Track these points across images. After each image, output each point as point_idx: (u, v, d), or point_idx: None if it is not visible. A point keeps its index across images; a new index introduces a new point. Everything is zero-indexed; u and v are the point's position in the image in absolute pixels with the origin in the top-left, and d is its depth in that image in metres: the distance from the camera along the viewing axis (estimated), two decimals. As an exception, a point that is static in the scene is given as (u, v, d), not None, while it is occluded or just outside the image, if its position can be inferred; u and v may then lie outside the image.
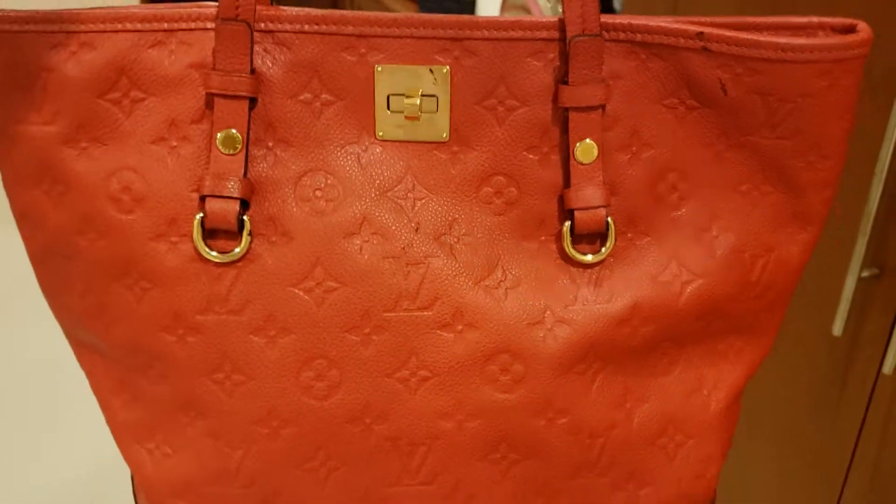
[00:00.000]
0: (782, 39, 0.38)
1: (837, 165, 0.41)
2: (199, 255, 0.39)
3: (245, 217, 0.39)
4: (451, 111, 0.40)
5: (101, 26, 0.38)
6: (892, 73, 0.65)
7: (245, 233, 0.39)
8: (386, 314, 0.40)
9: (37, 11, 0.38)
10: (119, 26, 0.38)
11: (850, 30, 0.40)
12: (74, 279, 0.41)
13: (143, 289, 0.40)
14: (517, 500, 0.43)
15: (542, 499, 0.43)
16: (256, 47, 0.39)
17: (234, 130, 0.38)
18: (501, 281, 0.41)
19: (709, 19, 0.40)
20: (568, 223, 0.41)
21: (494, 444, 0.42)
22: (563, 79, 0.39)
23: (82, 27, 0.38)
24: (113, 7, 0.38)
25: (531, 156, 0.40)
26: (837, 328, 0.70)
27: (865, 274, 0.68)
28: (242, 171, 0.39)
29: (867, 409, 0.71)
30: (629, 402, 0.43)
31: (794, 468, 0.81)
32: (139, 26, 0.38)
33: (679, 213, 0.42)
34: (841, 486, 0.75)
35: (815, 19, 0.40)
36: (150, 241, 0.39)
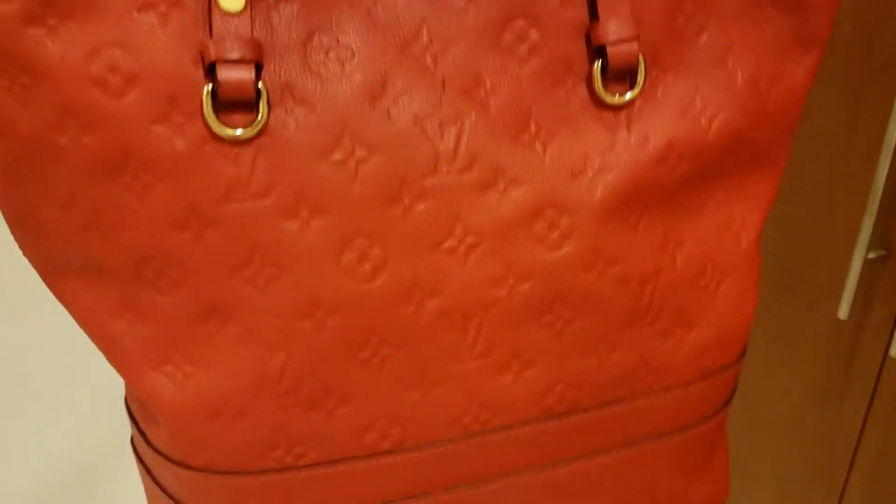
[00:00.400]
0: None
1: None
2: (212, 133, 0.34)
3: (260, 84, 0.34)
4: (464, -51, 0.36)
5: None
6: None
7: (262, 101, 0.34)
8: (426, 181, 0.37)
9: None
10: None
11: None
12: (55, 189, 0.35)
13: (147, 184, 0.35)
14: (572, 362, 0.41)
15: (596, 357, 0.41)
16: None
17: None
18: (537, 134, 0.38)
19: None
20: (598, 62, 0.38)
21: (548, 305, 0.40)
22: None
23: None
24: None
25: None
26: (843, 311, 0.68)
27: (872, 255, 0.66)
28: (250, 32, 0.34)
29: (874, 394, 0.70)
30: (670, 244, 0.42)
31: (799, 450, 0.80)
32: None
33: (698, 45, 0.41)
34: (848, 468, 0.74)
35: None
36: (150, 127, 0.34)
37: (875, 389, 0.70)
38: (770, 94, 0.43)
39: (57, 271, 0.38)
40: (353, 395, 0.39)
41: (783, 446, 0.82)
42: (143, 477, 0.45)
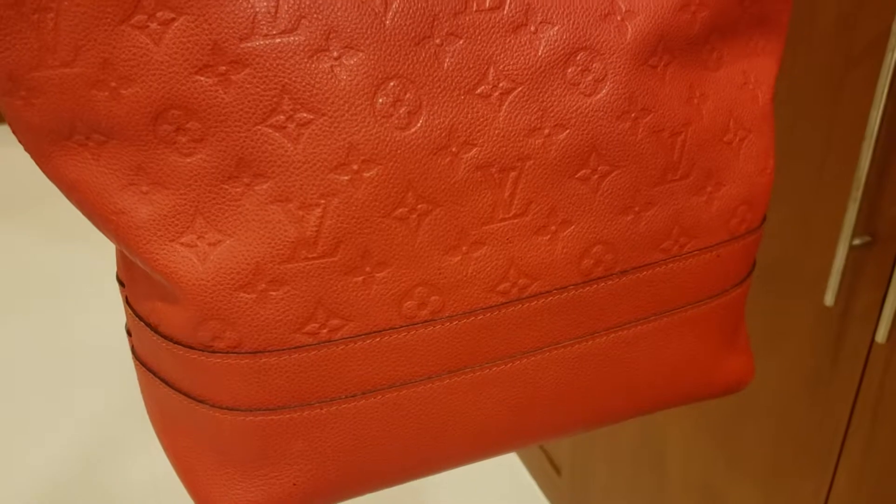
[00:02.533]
0: None
1: None
2: (236, -39, 0.31)
3: None
4: None
5: None
6: (880, 38, 0.63)
7: None
8: (456, 18, 0.35)
9: None
10: None
11: None
12: (56, 39, 0.32)
13: (164, 21, 0.31)
14: (609, 220, 0.40)
15: (632, 214, 0.40)
16: None
17: None
18: None
19: None
20: None
21: (584, 158, 0.38)
22: None
23: None
24: None
25: None
26: (829, 298, 0.68)
27: (857, 242, 0.66)
28: None
29: (861, 379, 0.70)
30: (695, 97, 0.41)
31: (787, 436, 0.80)
32: None
33: None
34: (837, 454, 0.74)
35: None
36: (166, -44, 0.31)
37: (862, 375, 0.70)
38: (778, -53, 0.42)
39: (54, 145, 0.35)
40: (391, 258, 0.36)
41: (771, 433, 0.82)
42: (148, 386, 0.41)
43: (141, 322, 0.39)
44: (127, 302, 0.41)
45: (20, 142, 0.36)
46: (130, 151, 0.34)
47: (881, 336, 0.65)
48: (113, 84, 0.32)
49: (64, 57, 0.32)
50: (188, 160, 0.34)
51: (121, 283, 0.42)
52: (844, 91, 0.66)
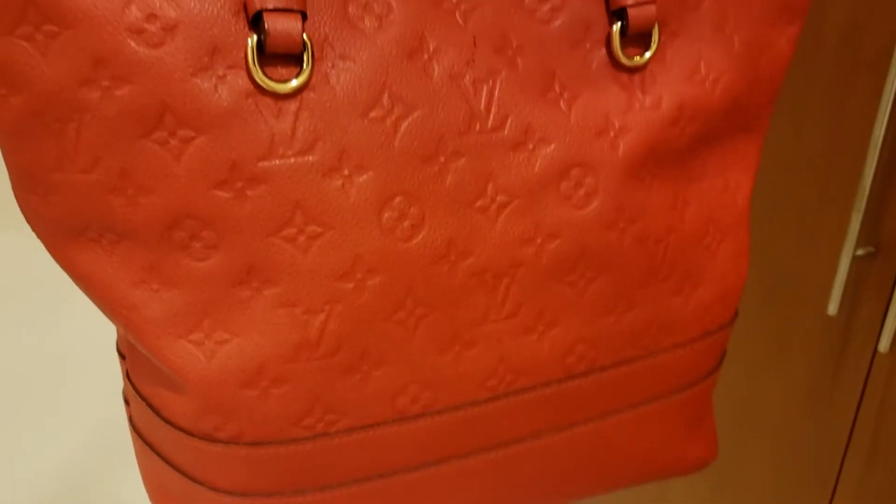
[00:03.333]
0: None
1: None
2: (257, 86, 0.33)
3: (305, 36, 0.33)
4: None
5: None
6: (885, 50, 0.64)
7: (307, 55, 0.33)
8: (461, 138, 0.37)
9: None
10: None
11: None
12: (77, 148, 0.33)
13: (185, 140, 0.33)
14: (593, 321, 0.42)
15: (614, 315, 0.42)
16: None
17: None
18: (561, 93, 0.39)
19: None
20: (618, 24, 0.39)
21: (572, 264, 0.40)
22: None
23: None
24: None
25: None
26: (832, 307, 0.68)
27: (860, 252, 0.66)
28: None
29: (864, 388, 0.70)
30: (679, 204, 0.43)
31: (790, 446, 0.80)
32: None
33: (700, 11, 0.42)
34: (839, 464, 0.75)
35: None
36: (190, 79, 0.32)
37: (865, 385, 0.71)
38: (761, 61, 0.45)
39: (68, 240, 0.36)
40: (388, 357, 0.38)
41: (773, 443, 0.83)
42: (145, 457, 0.43)
43: (142, 401, 0.41)
44: (127, 376, 0.42)
45: (34, 230, 0.37)
46: (143, 252, 0.35)
47: (884, 346, 0.65)
48: (130, 192, 0.34)
49: (83, 165, 0.34)
50: (201, 265, 0.35)
51: (121, 356, 0.44)
52: (849, 102, 0.67)
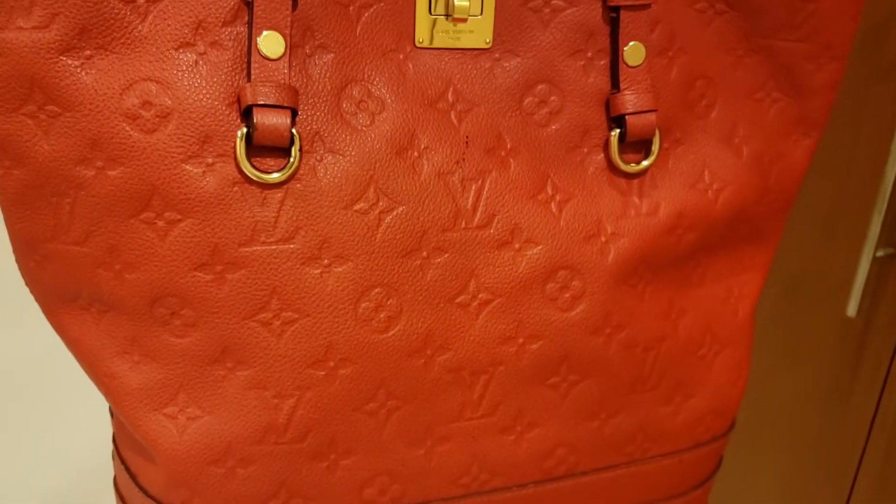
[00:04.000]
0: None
1: (843, 67, 0.43)
2: (243, 176, 0.34)
3: (294, 130, 0.34)
4: (495, 14, 0.38)
5: None
6: None
7: (295, 148, 0.34)
8: (444, 234, 0.37)
9: None
10: None
11: None
12: (71, 221, 0.35)
13: (171, 222, 0.34)
14: (575, 425, 0.41)
15: (597, 421, 0.42)
16: None
17: (276, 32, 0.34)
18: (553, 196, 0.39)
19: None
20: (616, 131, 0.40)
21: (555, 367, 0.40)
22: None
23: None
24: None
25: (576, 62, 0.39)
26: (852, 309, 0.68)
27: (880, 253, 0.66)
28: (287, 79, 0.34)
29: (883, 389, 0.70)
30: (673, 313, 0.43)
31: (807, 448, 0.80)
32: None
33: (708, 120, 0.42)
34: (856, 466, 0.74)
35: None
36: (181, 164, 0.34)
37: (883, 387, 0.70)
38: (772, 172, 0.44)
39: (60, 305, 0.37)
40: (357, 447, 0.38)
41: (791, 444, 0.82)
42: None
43: (122, 464, 0.41)
44: (114, 438, 0.43)
45: (31, 293, 0.39)
46: (127, 324, 0.36)
47: None
48: (117, 267, 0.35)
49: (76, 237, 0.35)
50: (179, 341, 0.36)
51: (111, 415, 0.45)
52: (870, 104, 0.67)
